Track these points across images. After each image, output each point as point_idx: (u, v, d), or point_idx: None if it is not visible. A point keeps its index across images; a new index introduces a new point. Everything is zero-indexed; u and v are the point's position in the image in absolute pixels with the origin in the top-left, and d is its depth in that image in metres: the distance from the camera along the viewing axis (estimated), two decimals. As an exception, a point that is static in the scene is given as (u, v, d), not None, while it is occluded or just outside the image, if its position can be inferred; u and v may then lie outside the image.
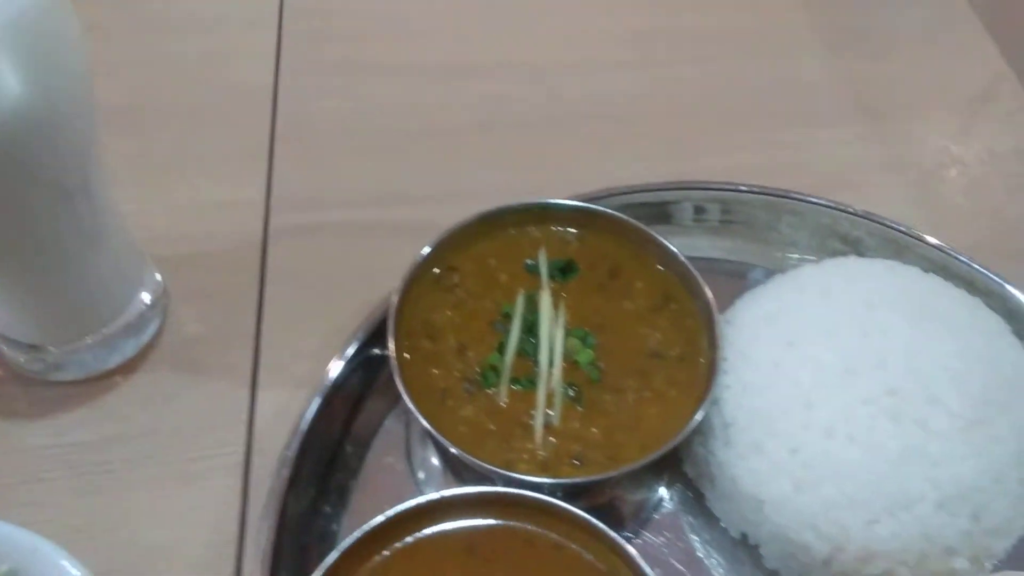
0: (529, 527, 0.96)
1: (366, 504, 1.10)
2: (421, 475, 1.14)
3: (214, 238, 1.34)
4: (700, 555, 1.09)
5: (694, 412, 1.03)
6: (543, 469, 1.02)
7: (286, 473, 1.03)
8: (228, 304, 1.27)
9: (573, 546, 0.95)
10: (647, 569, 0.90)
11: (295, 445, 1.06)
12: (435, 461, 1.15)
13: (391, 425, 1.17)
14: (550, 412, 1.06)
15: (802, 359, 1.02)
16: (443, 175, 1.43)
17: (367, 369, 1.17)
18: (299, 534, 1.04)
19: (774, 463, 0.99)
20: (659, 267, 1.18)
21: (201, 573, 1.05)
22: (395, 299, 1.10)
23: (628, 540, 1.07)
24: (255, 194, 1.40)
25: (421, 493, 1.10)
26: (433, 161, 1.46)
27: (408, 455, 1.15)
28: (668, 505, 1.14)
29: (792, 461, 0.98)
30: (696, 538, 1.11)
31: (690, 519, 1.12)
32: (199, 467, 1.13)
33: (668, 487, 1.15)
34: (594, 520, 0.94)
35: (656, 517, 1.13)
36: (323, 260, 1.32)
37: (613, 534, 0.93)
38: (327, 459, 1.11)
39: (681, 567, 1.08)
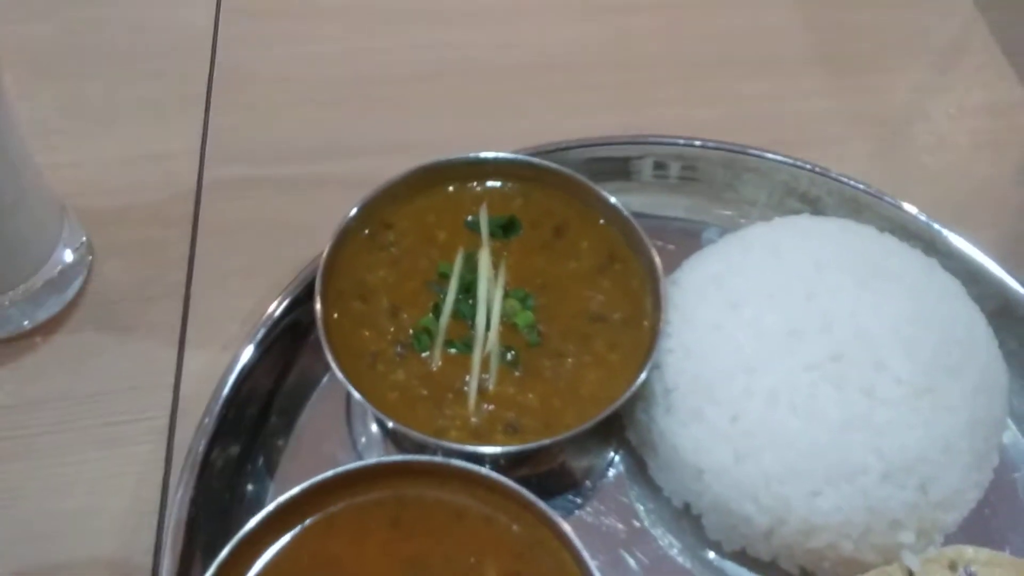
0: (458, 498, 0.92)
1: (295, 471, 1.05)
2: (357, 440, 1.09)
3: (145, 190, 1.28)
4: (643, 525, 1.06)
5: (635, 377, 0.99)
6: (475, 437, 0.97)
7: (203, 442, 0.98)
8: (157, 260, 1.22)
9: (503, 519, 0.91)
10: (578, 543, 0.87)
11: (216, 411, 1.01)
12: (373, 427, 1.11)
13: (326, 388, 1.12)
14: (485, 377, 1.01)
15: (745, 322, 0.97)
16: (386, 127, 1.37)
17: (299, 329, 1.11)
18: (223, 502, 1.00)
19: (715, 431, 0.95)
20: (606, 226, 1.12)
21: (121, 542, 1.01)
22: (324, 257, 1.05)
23: (568, 510, 1.06)
24: (190, 145, 1.34)
25: (355, 459, 1.06)
26: (376, 112, 1.39)
27: (343, 420, 1.10)
28: (611, 474, 1.10)
29: (733, 429, 0.94)
30: (640, 507, 1.07)
31: (634, 488, 1.08)
32: (121, 431, 1.09)
33: (612, 455, 1.11)
34: (526, 492, 0.89)
35: (599, 486, 1.09)
36: (258, 215, 1.26)
37: (545, 507, 0.89)
38: (253, 424, 1.06)
39: (623, 537, 1.04)
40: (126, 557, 0.99)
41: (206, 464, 0.98)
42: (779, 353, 0.92)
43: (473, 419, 0.99)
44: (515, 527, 0.90)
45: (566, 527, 0.88)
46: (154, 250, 1.23)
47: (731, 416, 0.92)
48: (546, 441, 0.95)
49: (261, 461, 1.05)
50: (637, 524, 1.06)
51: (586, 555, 0.86)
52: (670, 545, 1.04)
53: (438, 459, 0.91)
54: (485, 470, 0.90)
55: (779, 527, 0.93)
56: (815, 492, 0.91)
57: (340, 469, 0.90)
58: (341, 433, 1.09)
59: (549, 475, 1.09)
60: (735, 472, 0.93)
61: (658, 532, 1.05)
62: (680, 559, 1.03)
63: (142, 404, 1.10)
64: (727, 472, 0.94)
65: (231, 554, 0.84)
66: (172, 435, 1.08)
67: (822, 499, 0.90)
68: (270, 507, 0.87)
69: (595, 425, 0.96)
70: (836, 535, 0.91)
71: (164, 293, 1.19)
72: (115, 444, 1.07)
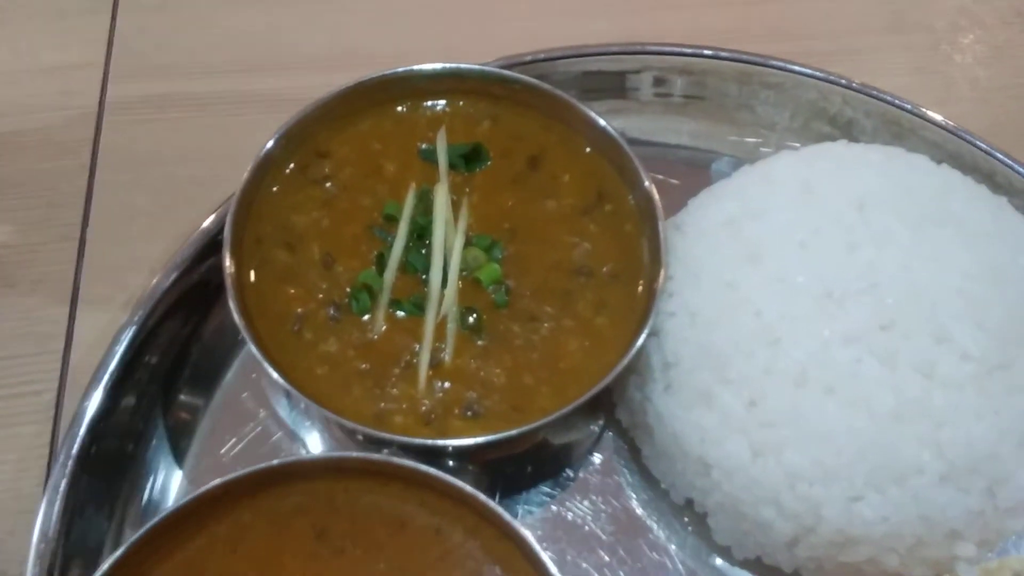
0: (401, 505, 0.73)
1: (207, 466, 0.87)
2: (284, 426, 0.90)
3: (36, 112, 1.08)
4: (634, 523, 0.87)
5: (627, 347, 0.79)
6: (426, 425, 0.79)
7: (84, 428, 0.79)
8: (49, 198, 1.02)
9: (457, 531, 0.72)
10: (544, 557, 0.69)
11: (103, 385, 0.81)
12: (304, 408, 0.91)
13: (248, 360, 0.92)
14: (441, 347, 0.82)
15: (767, 279, 0.78)
16: (327, 34, 1.15)
17: (214, 285, 0.90)
18: (110, 504, 0.81)
19: (726, 418, 0.76)
20: (593, 155, 0.91)
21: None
22: (238, 195, 0.84)
23: (543, 505, 0.89)
24: (92, 56, 1.12)
25: (283, 451, 0.87)
26: (315, 15, 1.17)
27: (268, 400, 0.91)
28: (597, 459, 0.92)
29: (750, 417, 0.75)
30: (632, 499, 0.88)
31: (625, 476, 0.89)
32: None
33: (598, 434, 0.92)
34: (485, 498, 0.72)
35: (582, 474, 0.91)
36: (169, 142, 1.06)
37: (509, 517, 0.71)
38: (153, 405, 0.87)
39: (610, 539, 0.86)
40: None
41: (88, 458, 0.79)
42: (811, 320, 0.76)
43: (424, 401, 0.80)
44: (471, 542, 0.72)
45: (534, 544, 0.70)
46: (44, 184, 1.03)
47: (748, 400, 0.76)
48: (513, 432, 0.77)
49: (163, 453, 0.87)
50: (627, 522, 0.87)
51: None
52: (667, 547, 0.86)
53: (376, 456, 0.74)
54: (435, 471, 0.72)
55: (806, 536, 0.75)
56: (855, 497, 0.73)
57: (251, 469, 0.72)
58: (265, 418, 0.90)
59: (520, 461, 0.91)
60: (752, 470, 0.75)
61: (652, 532, 0.87)
62: (680, 566, 0.84)
63: (25, 376, 0.92)
64: (741, 469, 0.76)
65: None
66: (59, 415, 0.89)
67: (863, 505, 0.73)
68: (162, 515, 0.70)
69: (576, 409, 0.76)
70: (879, 548, 0.74)
71: (55, 238, 1.00)
72: (-9, 426, 0.88)
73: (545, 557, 0.69)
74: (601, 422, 0.93)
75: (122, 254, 0.98)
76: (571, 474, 0.91)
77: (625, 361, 0.79)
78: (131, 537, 0.67)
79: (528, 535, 0.70)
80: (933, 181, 0.84)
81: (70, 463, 0.77)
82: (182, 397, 0.89)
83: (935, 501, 0.72)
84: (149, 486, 0.84)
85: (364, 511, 0.73)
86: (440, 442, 0.76)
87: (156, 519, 0.68)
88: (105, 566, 0.66)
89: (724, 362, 0.76)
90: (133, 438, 0.85)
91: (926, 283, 0.76)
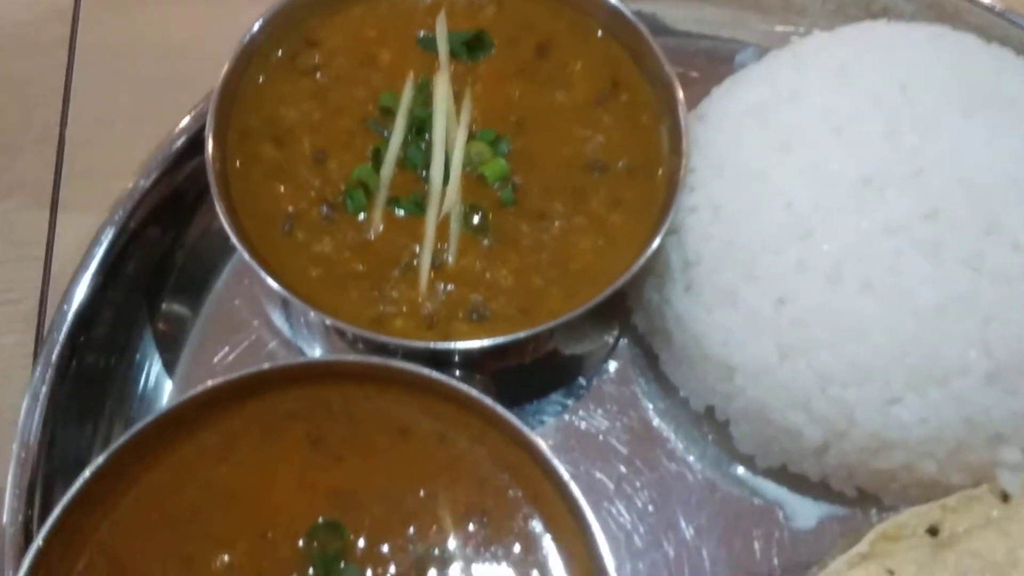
0: (402, 411, 0.69)
1: (197, 373, 0.82)
2: (280, 332, 0.85)
3: (7, 9, 1.01)
4: (651, 433, 0.83)
5: (644, 246, 0.73)
6: (428, 328, 0.74)
7: (63, 333, 0.74)
8: (24, 98, 0.96)
9: (463, 438, 0.67)
10: (557, 464, 0.64)
11: (81, 291, 0.76)
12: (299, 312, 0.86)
13: (240, 264, 0.86)
14: (443, 247, 0.76)
15: (799, 168, 0.72)
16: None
17: (202, 183, 0.84)
18: (94, 413, 0.77)
19: (752, 318, 0.71)
20: (607, 41, 0.84)
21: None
22: (220, 84, 0.78)
23: (555, 415, 0.84)
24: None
25: (278, 356, 0.82)
26: None
27: (262, 304, 0.85)
28: (612, 367, 0.87)
29: (778, 316, 0.70)
30: (649, 408, 0.83)
31: (641, 385, 0.85)
32: (-21, 321, 0.85)
33: (613, 341, 0.87)
34: (492, 403, 0.67)
35: (595, 382, 0.86)
36: (152, 36, 0.99)
37: (518, 423, 0.66)
38: (138, 310, 0.82)
39: (626, 450, 0.81)
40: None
41: (70, 366, 0.74)
42: (847, 211, 0.72)
43: (426, 304, 0.74)
44: (478, 449, 0.67)
45: (545, 450, 0.65)
46: (19, 85, 0.97)
47: (776, 298, 0.71)
48: (522, 334, 0.71)
49: (151, 362, 0.82)
50: (644, 432, 0.83)
51: (574, 487, 0.63)
52: (685, 457, 0.81)
53: (374, 359, 0.68)
54: (438, 374, 0.67)
55: (837, 443, 0.70)
56: (892, 399, 0.68)
57: (241, 373, 0.67)
58: (259, 327, 0.85)
59: (530, 370, 0.85)
60: (779, 372, 0.70)
61: (670, 442, 0.82)
62: (700, 476, 0.80)
63: (4, 283, 0.88)
64: (768, 372, 0.71)
65: (89, 484, 0.63)
66: (41, 324, 0.84)
67: (901, 408, 0.68)
68: (148, 419, 0.66)
69: (589, 311, 0.70)
70: (915, 454, 0.69)
71: (32, 141, 0.95)
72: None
73: (558, 464, 0.64)
74: (616, 331, 0.88)
75: (103, 157, 0.92)
76: (584, 383, 0.86)
77: (642, 260, 0.73)
78: (110, 447, 0.63)
79: (539, 441, 0.65)
80: (984, 61, 0.77)
81: (50, 371, 0.73)
82: (169, 304, 0.85)
83: (979, 403, 0.68)
84: (137, 396, 0.81)
85: (363, 418, 0.69)
86: (444, 345, 0.71)
87: (142, 423, 0.64)
88: (89, 471, 0.62)
89: (750, 259, 0.71)
90: (118, 346, 0.81)
91: (976, 169, 0.70)
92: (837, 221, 0.69)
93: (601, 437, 0.83)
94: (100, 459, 0.62)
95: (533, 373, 0.86)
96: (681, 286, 0.75)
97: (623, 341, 0.88)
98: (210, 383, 0.66)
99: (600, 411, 0.84)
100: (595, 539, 0.62)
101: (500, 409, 0.66)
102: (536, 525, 0.66)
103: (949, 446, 0.68)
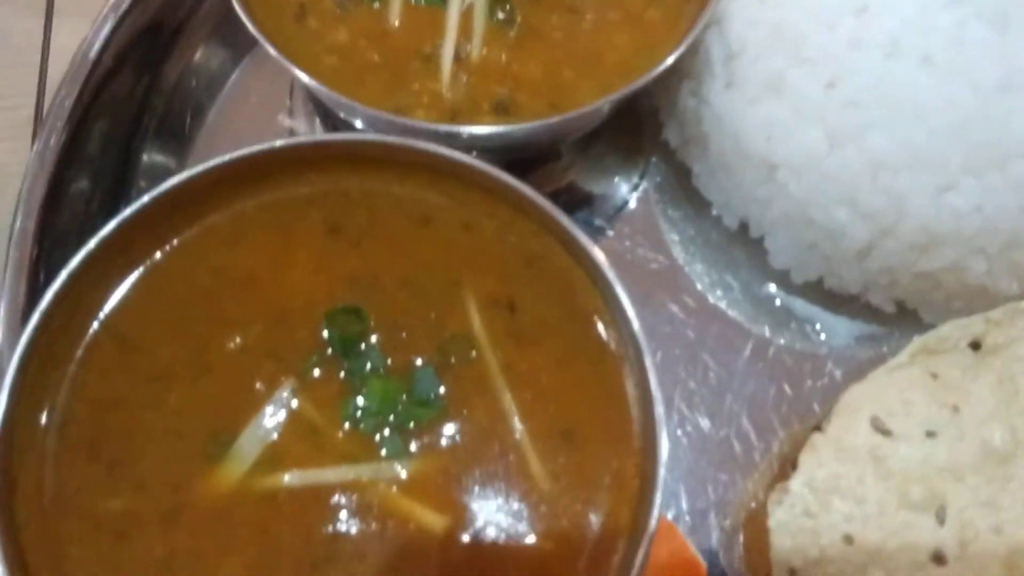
0: (425, 195, 0.64)
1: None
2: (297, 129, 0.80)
3: None
4: (681, 255, 0.79)
5: (682, 39, 0.68)
6: (450, 119, 0.69)
7: (63, 121, 0.69)
8: None
9: (490, 224, 0.63)
10: (593, 248, 0.60)
11: (85, 71, 0.71)
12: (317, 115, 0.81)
13: (262, 57, 0.81)
14: (466, 40, 0.70)
15: None
16: None
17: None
18: (98, 200, 0.73)
19: (800, 105, 0.67)
20: None
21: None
22: None
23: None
24: None
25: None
26: None
27: (283, 98, 0.81)
28: (639, 192, 0.83)
29: (828, 100, 0.66)
30: (675, 237, 0.80)
31: (670, 209, 0.80)
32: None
33: (641, 170, 0.83)
34: (520, 184, 0.62)
35: (623, 210, 0.83)
36: None
37: (550, 205, 0.61)
38: (144, 104, 0.77)
39: (655, 268, 0.79)
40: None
41: (70, 154, 0.70)
42: None
43: (448, 94, 0.69)
44: (505, 237, 0.63)
45: (581, 235, 0.60)
46: None
47: (826, 81, 0.66)
48: (554, 118, 0.66)
49: (157, 166, 0.77)
50: (674, 254, 0.79)
51: (611, 273, 0.59)
52: (717, 279, 0.77)
53: (395, 139, 0.63)
54: (464, 156, 0.62)
55: (882, 241, 0.66)
56: (946, 185, 0.64)
57: (254, 149, 0.62)
58: (272, 126, 0.80)
59: (555, 193, 0.81)
60: (826, 163, 0.66)
61: (701, 264, 0.78)
62: (730, 297, 0.76)
63: (1, 90, 0.83)
64: (814, 164, 0.66)
65: (95, 255, 0.58)
66: (36, 132, 0.79)
67: (955, 195, 0.64)
68: (154, 193, 0.60)
69: (623, 101, 0.66)
70: (966, 249, 0.65)
71: None
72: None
73: (594, 248, 0.60)
74: (643, 158, 0.84)
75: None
76: (611, 210, 0.82)
77: (682, 48, 0.68)
78: (107, 225, 0.58)
79: (573, 226, 0.61)
80: None
81: (51, 143, 0.68)
82: (176, 100, 0.79)
83: (1041, 188, 0.63)
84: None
85: (383, 205, 0.64)
86: (468, 129, 0.66)
87: (149, 196, 0.59)
88: (94, 241, 0.58)
89: (800, 40, 0.66)
90: (116, 138, 0.76)
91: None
92: (894, -9, 0.64)
93: (628, 255, 0.79)
94: (106, 229, 0.58)
95: (559, 195, 0.82)
96: (721, 82, 0.70)
97: (649, 173, 0.84)
98: (218, 159, 0.61)
99: (626, 231, 0.81)
100: (631, 324, 0.59)
101: (529, 191, 0.61)
102: (565, 313, 0.62)
103: (1002, 239, 0.64)
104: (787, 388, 0.76)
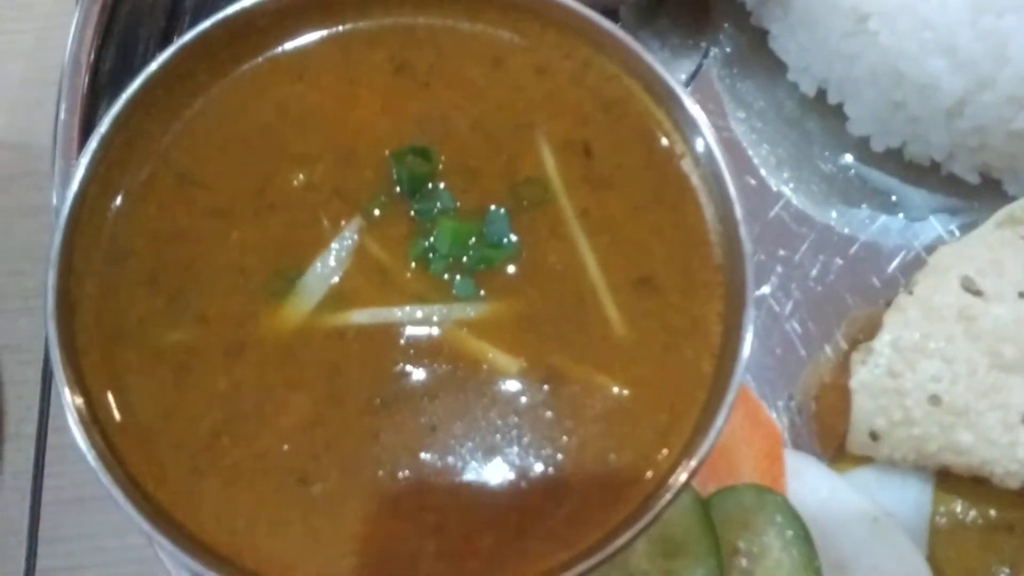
0: (497, 34, 0.61)
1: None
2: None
3: None
4: (743, 139, 0.75)
5: None
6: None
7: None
8: None
9: (566, 65, 0.60)
10: (688, 99, 0.56)
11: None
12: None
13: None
14: None
15: None
16: None
17: None
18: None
19: None
20: None
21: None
22: None
23: None
24: None
25: None
26: None
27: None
28: (703, 69, 0.79)
29: None
30: (742, 114, 0.76)
31: (736, 84, 0.77)
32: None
33: (708, 47, 0.79)
34: (602, 20, 0.58)
35: (687, 84, 0.78)
36: None
37: (635, 44, 0.58)
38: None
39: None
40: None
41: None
42: None
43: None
44: (583, 79, 0.59)
45: (666, 74, 0.57)
46: None
47: None
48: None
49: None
50: (734, 142, 0.76)
51: (700, 117, 0.56)
52: (785, 157, 0.74)
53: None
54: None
55: (978, 94, 0.63)
56: (1057, 28, 0.59)
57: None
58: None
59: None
60: (923, 6, 0.61)
61: (767, 144, 0.75)
62: (798, 176, 0.73)
63: None
64: (911, 8, 0.62)
65: (154, 80, 0.56)
66: None
67: (1066, 38, 0.59)
68: (214, 19, 0.57)
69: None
70: (1069, 106, 0.61)
71: None
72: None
73: (684, 94, 0.57)
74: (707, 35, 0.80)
75: None
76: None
77: None
78: (181, 39, 0.55)
79: (661, 68, 0.57)
80: None
81: None
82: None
83: None
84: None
85: (451, 45, 0.61)
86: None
87: (208, 22, 0.56)
88: (155, 65, 0.55)
89: None
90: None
91: None
92: None
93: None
94: (167, 53, 0.55)
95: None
96: (808, -73, 0.66)
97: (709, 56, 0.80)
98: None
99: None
100: (721, 169, 0.56)
101: (611, 26, 0.58)
102: (644, 158, 0.59)
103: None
104: (857, 267, 0.73)
